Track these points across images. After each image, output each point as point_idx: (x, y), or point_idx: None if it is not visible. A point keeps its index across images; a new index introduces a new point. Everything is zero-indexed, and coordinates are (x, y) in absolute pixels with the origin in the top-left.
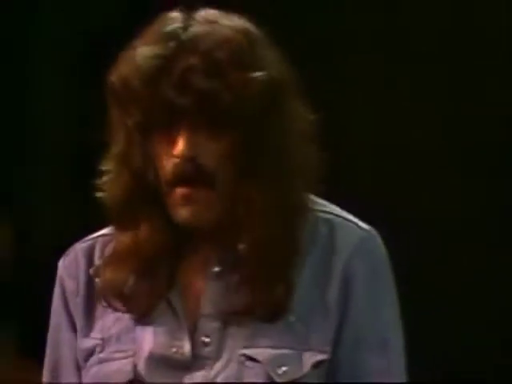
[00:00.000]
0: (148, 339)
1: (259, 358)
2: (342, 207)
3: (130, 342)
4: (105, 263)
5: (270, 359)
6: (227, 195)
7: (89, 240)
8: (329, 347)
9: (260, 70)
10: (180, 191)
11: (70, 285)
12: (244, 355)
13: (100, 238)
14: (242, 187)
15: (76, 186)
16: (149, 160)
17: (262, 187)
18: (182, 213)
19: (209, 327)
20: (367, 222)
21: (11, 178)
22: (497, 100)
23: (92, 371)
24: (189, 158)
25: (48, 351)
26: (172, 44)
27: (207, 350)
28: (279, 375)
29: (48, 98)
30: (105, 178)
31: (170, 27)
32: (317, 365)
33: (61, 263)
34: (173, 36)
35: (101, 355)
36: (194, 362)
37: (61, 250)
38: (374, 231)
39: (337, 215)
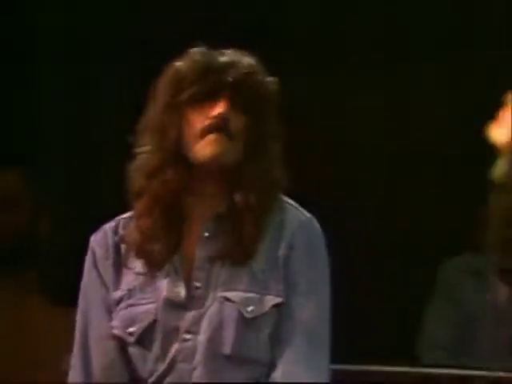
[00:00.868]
0: (162, 289)
1: (234, 299)
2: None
3: (150, 291)
4: (129, 230)
5: (241, 300)
6: (238, 149)
7: (114, 221)
8: (282, 293)
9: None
10: (211, 136)
11: (100, 252)
12: (223, 297)
13: (122, 219)
14: (246, 157)
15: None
16: (179, 129)
17: (258, 161)
18: (209, 150)
19: (199, 276)
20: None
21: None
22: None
23: (122, 313)
24: (222, 117)
25: (81, 303)
26: (213, 58)
27: (198, 292)
28: (248, 312)
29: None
30: (142, 148)
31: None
32: (275, 306)
33: (92, 238)
34: (212, 56)
35: (129, 301)
36: (190, 302)
37: None
38: (313, 219)
39: (289, 204)
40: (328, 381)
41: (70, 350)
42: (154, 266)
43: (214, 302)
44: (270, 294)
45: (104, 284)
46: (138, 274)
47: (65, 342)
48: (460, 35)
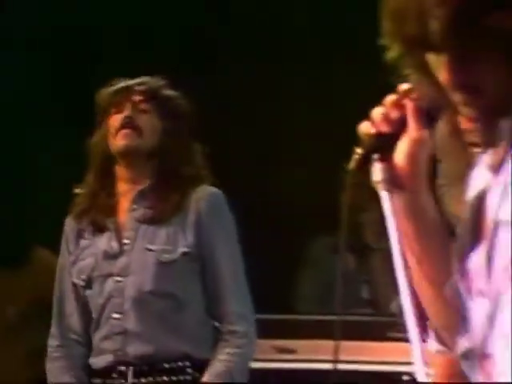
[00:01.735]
0: (101, 245)
1: (153, 249)
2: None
3: (93, 249)
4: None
5: (159, 250)
6: (147, 143)
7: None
8: (191, 245)
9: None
10: (121, 132)
11: (67, 230)
12: (146, 248)
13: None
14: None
15: None
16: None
17: (167, 154)
18: (119, 143)
19: (128, 235)
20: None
21: None
22: None
23: (74, 267)
24: (127, 117)
25: (57, 269)
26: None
27: (127, 246)
28: (164, 257)
29: None
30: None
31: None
32: (184, 254)
33: (66, 221)
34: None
35: (79, 258)
36: (121, 253)
37: None
38: (218, 192)
39: (202, 186)
40: (253, 311)
41: None
42: (97, 231)
43: (138, 252)
44: (179, 247)
45: (69, 251)
46: (87, 238)
47: None
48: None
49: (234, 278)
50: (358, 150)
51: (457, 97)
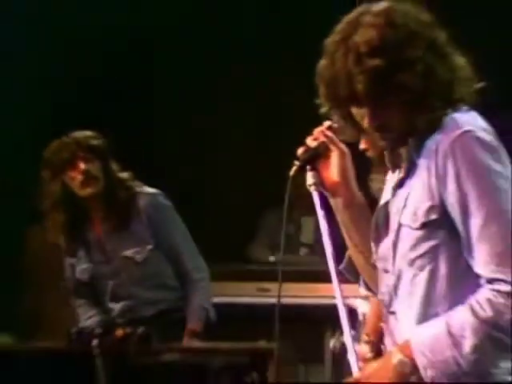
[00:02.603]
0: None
1: (128, 255)
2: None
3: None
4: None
5: (132, 254)
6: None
7: None
8: (151, 241)
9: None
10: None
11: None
12: (123, 256)
13: None
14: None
15: None
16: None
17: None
18: (83, 193)
19: (107, 249)
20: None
21: None
22: None
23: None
24: (83, 171)
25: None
26: None
27: (108, 254)
28: (138, 259)
29: None
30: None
31: None
32: (151, 250)
33: None
34: None
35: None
36: (107, 263)
37: None
38: (157, 193)
39: (145, 191)
40: (204, 265)
41: None
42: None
43: (120, 260)
44: (146, 244)
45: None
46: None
47: None
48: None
49: (188, 247)
50: (296, 162)
51: (375, 134)
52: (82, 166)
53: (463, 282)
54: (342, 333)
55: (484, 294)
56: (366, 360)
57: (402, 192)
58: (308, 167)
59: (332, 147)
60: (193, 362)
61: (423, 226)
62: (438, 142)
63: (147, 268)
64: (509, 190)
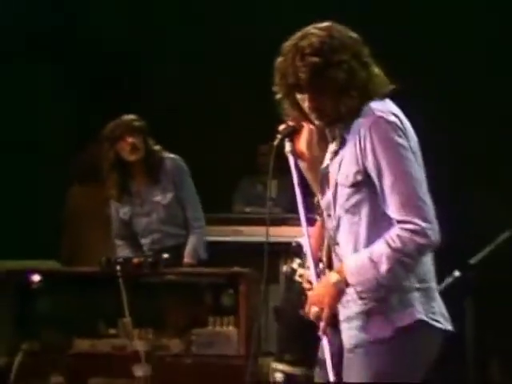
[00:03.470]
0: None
1: (159, 200)
2: None
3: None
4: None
5: (159, 198)
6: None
7: None
8: (172, 191)
9: None
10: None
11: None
12: (154, 201)
13: None
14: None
15: None
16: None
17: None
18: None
19: (143, 194)
20: None
21: None
22: None
23: (120, 211)
24: (133, 143)
25: None
26: None
27: (143, 200)
28: (163, 202)
29: None
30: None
31: None
32: (172, 197)
33: None
34: None
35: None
36: (141, 214)
37: None
38: (180, 159)
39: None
40: (203, 215)
41: None
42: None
43: (151, 204)
44: (169, 193)
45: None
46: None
47: None
48: None
49: (193, 200)
50: (278, 135)
51: (312, 115)
52: (129, 139)
53: (381, 223)
54: (291, 261)
55: (395, 231)
56: (310, 282)
57: (337, 159)
58: (286, 139)
59: (304, 125)
60: (187, 281)
61: (352, 185)
62: (360, 124)
63: (170, 210)
64: (411, 158)
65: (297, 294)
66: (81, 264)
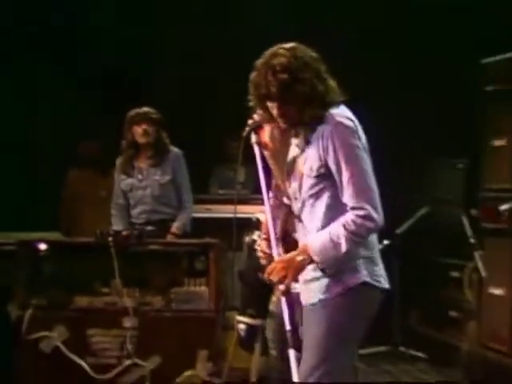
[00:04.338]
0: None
1: (156, 178)
2: None
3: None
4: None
5: (158, 177)
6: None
7: None
8: (170, 175)
9: None
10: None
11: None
12: (154, 179)
13: None
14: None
15: None
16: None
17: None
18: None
19: (145, 172)
20: None
21: None
22: None
23: (122, 183)
24: (145, 130)
25: None
26: None
27: (144, 176)
28: (160, 180)
29: None
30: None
31: None
32: (169, 179)
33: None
34: None
35: (122, 178)
36: (140, 185)
37: None
38: (179, 150)
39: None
40: (192, 198)
41: None
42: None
43: (150, 180)
44: (167, 176)
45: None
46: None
47: None
48: None
49: (186, 185)
50: (247, 128)
51: (279, 120)
52: (144, 126)
53: (339, 209)
54: (252, 233)
55: (350, 216)
56: (264, 252)
57: (303, 155)
58: (253, 132)
59: (267, 122)
60: (167, 250)
61: (316, 176)
62: (323, 129)
63: (163, 189)
64: (364, 156)
65: (256, 260)
66: (76, 236)
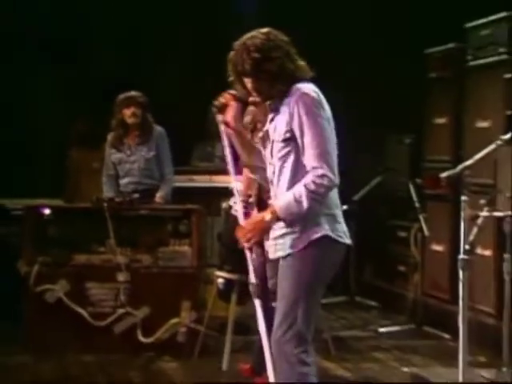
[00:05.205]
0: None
1: (142, 153)
2: None
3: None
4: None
5: (144, 152)
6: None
7: None
8: (154, 151)
9: None
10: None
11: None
12: (140, 154)
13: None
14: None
15: None
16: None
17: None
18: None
19: (133, 148)
20: None
21: None
22: None
23: (112, 157)
24: (134, 113)
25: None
26: None
27: (132, 152)
28: (146, 155)
29: None
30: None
31: None
32: (153, 155)
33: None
34: None
35: (113, 154)
36: (129, 159)
37: None
38: (163, 130)
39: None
40: (173, 170)
41: None
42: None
43: (137, 155)
44: (152, 151)
45: (110, 152)
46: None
47: None
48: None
49: (167, 160)
50: (214, 109)
51: (253, 93)
52: (132, 108)
53: (301, 170)
54: (229, 199)
55: (310, 176)
56: (243, 214)
57: (273, 123)
58: (218, 111)
59: (229, 102)
60: (154, 214)
61: (283, 140)
62: (290, 99)
63: (148, 163)
64: (324, 124)
65: (232, 223)
66: (78, 202)
